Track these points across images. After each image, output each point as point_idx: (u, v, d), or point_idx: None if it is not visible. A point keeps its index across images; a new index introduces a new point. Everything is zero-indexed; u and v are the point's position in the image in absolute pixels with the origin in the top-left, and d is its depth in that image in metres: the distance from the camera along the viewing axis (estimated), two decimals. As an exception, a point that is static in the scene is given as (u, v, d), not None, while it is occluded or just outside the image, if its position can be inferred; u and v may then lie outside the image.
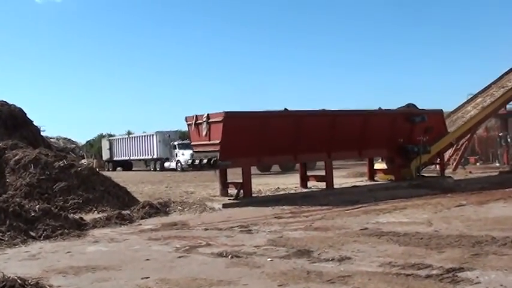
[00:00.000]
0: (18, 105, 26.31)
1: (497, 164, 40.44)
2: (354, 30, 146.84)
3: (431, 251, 10.74)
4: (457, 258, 9.86)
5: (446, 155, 33.79)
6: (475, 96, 33.82)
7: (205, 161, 21.73)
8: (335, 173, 26.01)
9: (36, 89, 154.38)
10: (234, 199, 21.76)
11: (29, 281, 8.70)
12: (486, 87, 34.23)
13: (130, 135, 70.73)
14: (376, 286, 8.25)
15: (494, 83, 34.29)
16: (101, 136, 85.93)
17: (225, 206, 20.37)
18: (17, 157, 21.61)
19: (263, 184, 28.51)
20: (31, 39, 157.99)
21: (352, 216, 16.61)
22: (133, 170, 67.20)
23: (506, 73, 34.74)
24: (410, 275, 8.80)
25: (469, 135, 33.70)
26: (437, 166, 30.44)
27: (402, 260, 9.84)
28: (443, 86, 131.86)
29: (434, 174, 29.57)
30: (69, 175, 20.89)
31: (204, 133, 22.16)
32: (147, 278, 9.46)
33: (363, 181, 28.24)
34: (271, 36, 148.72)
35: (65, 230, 14.90)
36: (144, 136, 65.47)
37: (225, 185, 23.03)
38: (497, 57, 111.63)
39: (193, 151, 25.86)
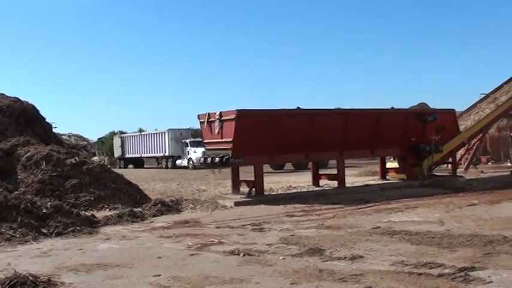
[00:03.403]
0: (30, 102, 26.40)
1: (509, 164, 40.28)
2: (366, 29, 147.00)
3: (443, 250, 10.72)
4: (469, 258, 9.84)
5: (458, 155, 33.72)
6: (487, 96, 33.78)
7: (217, 158, 21.74)
8: (347, 171, 26.02)
9: (48, 86, 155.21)
10: (246, 197, 21.78)
11: (41, 278, 8.74)
12: (498, 86, 34.20)
13: (142, 133, 70.86)
14: (388, 285, 8.23)
15: (506, 82, 34.24)
16: (113, 133, 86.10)
17: (236, 204, 20.38)
18: (28, 154, 21.64)
19: (275, 182, 28.53)
20: (43, 38, 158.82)
21: (364, 215, 16.60)
22: (145, 168, 67.31)
23: None
24: (422, 274, 8.78)
25: (480, 135, 33.60)
26: (449, 165, 30.37)
27: (414, 259, 9.82)
28: (455, 86, 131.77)
29: (446, 174, 29.52)
30: (80, 172, 20.94)
31: (216, 131, 22.20)
32: (159, 275, 9.47)
33: (375, 180, 28.26)
34: (284, 34, 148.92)
35: (77, 227, 14.91)
36: (156, 134, 65.53)
37: (236, 183, 23.04)
38: (509, 58, 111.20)
39: (205, 149, 25.86)
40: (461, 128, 30.28)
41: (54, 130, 28.79)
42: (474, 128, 30.36)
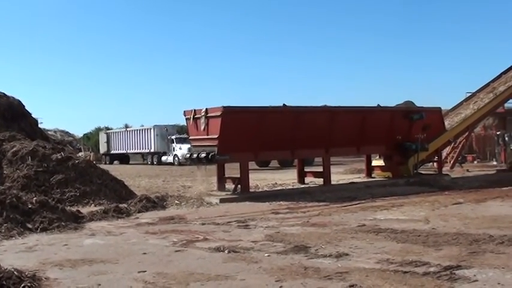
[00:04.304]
0: (16, 97, 26.26)
1: (495, 163, 40.41)
2: (353, 26, 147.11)
3: (428, 248, 10.75)
4: (455, 256, 9.87)
5: (444, 153, 33.84)
6: (473, 95, 33.95)
7: (203, 155, 21.72)
8: (333, 169, 26.00)
9: (35, 81, 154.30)
10: (231, 194, 21.77)
11: (26, 273, 8.70)
12: (485, 85, 34.40)
13: (127, 129, 70.65)
14: (373, 283, 8.24)
15: (493, 81, 34.49)
16: (99, 129, 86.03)
17: (222, 200, 20.35)
18: (14, 149, 21.55)
19: (261, 179, 28.52)
20: (30, 32, 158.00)
21: (350, 212, 16.62)
22: (131, 164, 67.18)
23: (505, 72, 34.91)
24: (407, 272, 8.81)
25: (466, 134, 33.76)
26: (435, 164, 30.46)
27: (400, 257, 9.84)
28: (441, 84, 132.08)
29: (432, 172, 29.59)
30: (66, 168, 20.86)
31: (202, 127, 22.15)
32: (144, 271, 9.45)
33: (361, 178, 28.28)
34: (272, 31, 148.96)
35: (62, 223, 14.87)
36: (142, 130, 65.40)
37: (222, 179, 23.03)
38: (496, 56, 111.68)
39: (191, 145, 25.82)
40: (461, 116, 30.89)
41: (40, 125, 28.67)
42: (460, 127, 30.48)
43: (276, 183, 26.57)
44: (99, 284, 8.72)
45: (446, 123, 30.51)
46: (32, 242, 12.92)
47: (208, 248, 11.50)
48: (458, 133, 31.04)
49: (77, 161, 21.48)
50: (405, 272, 8.78)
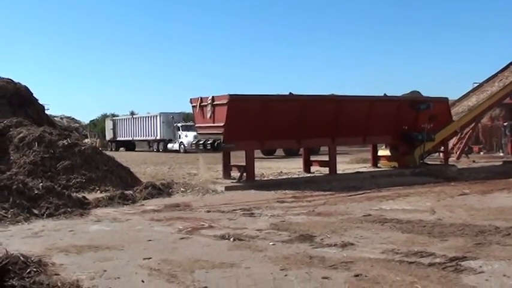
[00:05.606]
0: (23, 83, 26.30)
1: (501, 154, 40.28)
2: (361, 14, 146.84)
3: (434, 239, 10.74)
4: (460, 247, 9.85)
5: (450, 144, 33.76)
6: (480, 85, 33.86)
7: (209, 143, 21.70)
8: (338, 158, 25.97)
9: (42, 67, 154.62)
10: (236, 182, 21.77)
11: (32, 259, 8.70)
12: (492, 75, 34.29)
13: (133, 116, 70.68)
14: (378, 273, 8.23)
15: (500, 71, 34.36)
16: (105, 116, 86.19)
17: (227, 188, 20.34)
18: (21, 135, 21.58)
19: (266, 168, 28.53)
20: (37, 19, 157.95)
21: (355, 202, 16.61)
22: (136, 151, 67.21)
23: None
24: (413, 262, 8.80)
25: (473, 124, 33.68)
26: (441, 154, 30.39)
27: (405, 248, 9.83)
28: (449, 74, 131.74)
29: (438, 163, 29.50)
30: (72, 154, 20.88)
31: (208, 115, 22.12)
32: (150, 258, 9.47)
33: (366, 167, 28.22)
34: (279, 19, 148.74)
35: (68, 209, 14.92)
36: (148, 117, 65.43)
37: (227, 167, 23.04)
38: (505, 46, 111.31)
39: (197, 133, 25.82)
40: (488, 93, 31.53)
41: (46, 112, 28.72)
42: (467, 117, 30.41)
43: (281, 172, 26.60)
44: (105, 270, 8.73)
45: (473, 99, 30.74)
46: (38, 227, 12.95)
47: (213, 235, 11.52)
48: (464, 124, 30.95)
49: (83, 148, 21.50)
50: (410, 263, 8.78)
